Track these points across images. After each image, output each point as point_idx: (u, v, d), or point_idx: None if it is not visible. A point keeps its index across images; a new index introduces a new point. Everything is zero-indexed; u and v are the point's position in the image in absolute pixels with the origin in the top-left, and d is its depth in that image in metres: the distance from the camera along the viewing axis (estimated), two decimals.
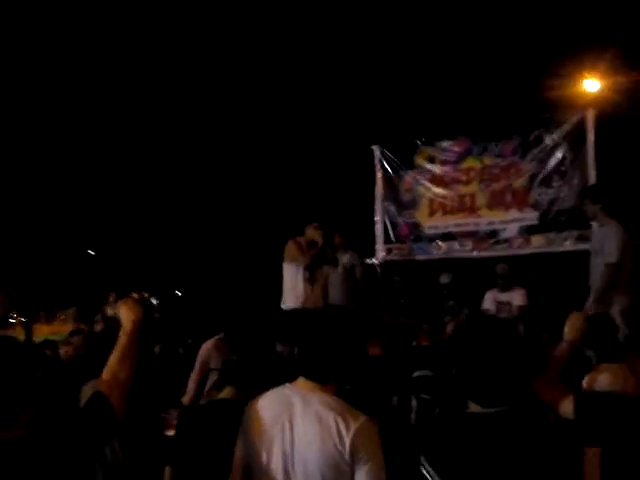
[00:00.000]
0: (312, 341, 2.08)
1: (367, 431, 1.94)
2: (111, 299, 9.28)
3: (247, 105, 10.59)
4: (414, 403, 4.28)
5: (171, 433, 3.57)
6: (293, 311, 5.62)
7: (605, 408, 2.20)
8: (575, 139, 6.67)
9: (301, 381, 2.07)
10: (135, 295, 2.69)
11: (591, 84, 10.63)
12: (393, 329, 6.32)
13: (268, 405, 2.07)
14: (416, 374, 4.43)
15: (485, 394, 1.98)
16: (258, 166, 11.22)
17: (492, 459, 1.89)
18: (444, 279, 7.00)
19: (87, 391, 2.86)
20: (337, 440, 1.89)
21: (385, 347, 5.99)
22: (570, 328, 2.45)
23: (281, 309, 5.84)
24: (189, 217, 13.03)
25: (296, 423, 1.97)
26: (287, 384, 2.10)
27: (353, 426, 1.91)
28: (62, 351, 6.06)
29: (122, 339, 2.12)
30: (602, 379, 2.98)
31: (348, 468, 1.89)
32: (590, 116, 6.63)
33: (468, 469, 1.93)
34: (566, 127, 6.73)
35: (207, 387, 4.49)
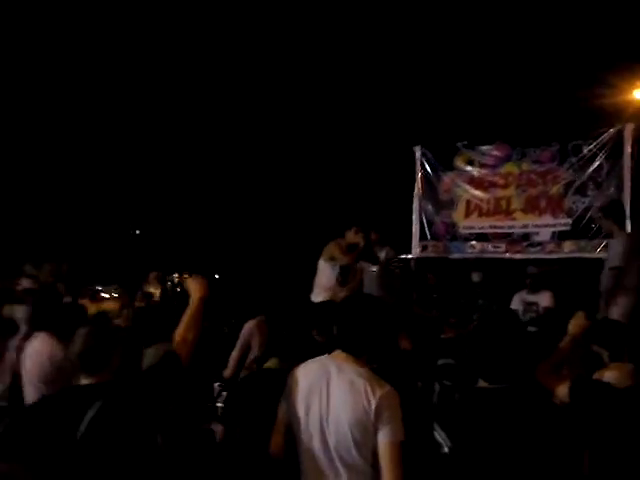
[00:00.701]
0: (350, 319, 2.47)
1: (390, 397, 2.31)
2: (151, 277, 9.80)
3: (299, 103, 10.92)
4: (437, 387, 4.61)
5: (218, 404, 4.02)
6: (326, 302, 5.92)
7: (597, 395, 2.53)
8: (613, 151, 6.86)
9: (337, 353, 2.46)
10: (175, 275, 3.20)
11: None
12: (422, 321, 6.69)
13: (308, 372, 2.47)
14: (440, 362, 4.77)
15: (491, 372, 2.36)
16: (305, 162, 11.56)
17: (494, 426, 2.28)
18: (475, 278, 7.29)
19: (150, 353, 3.30)
20: (365, 402, 2.27)
21: (414, 339, 6.38)
22: (573, 325, 2.79)
23: (311, 301, 6.16)
24: (233, 206, 13.46)
25: (332, 387, 2.36)
26: (326, 355, 2.50)
27: (379, 392, 2.29)
28: (115, 323, 6.57)
29: (191, 308, 2.58)
30: (609, 375, 3.28)
31: (372, 426, 2.26)
32: (629, 129, 6.81)
33: (474, 434, 2.31)
34: (604, 138, 6.92)
35: (246, 363, 4.94)
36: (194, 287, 2.66)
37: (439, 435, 2.82)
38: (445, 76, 9.34)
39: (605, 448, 2.49)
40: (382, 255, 6.93)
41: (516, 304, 6.76)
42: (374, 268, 6.85)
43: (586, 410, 2.49)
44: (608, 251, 5.65)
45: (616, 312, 5.02)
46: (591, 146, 6.98)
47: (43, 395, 2.78)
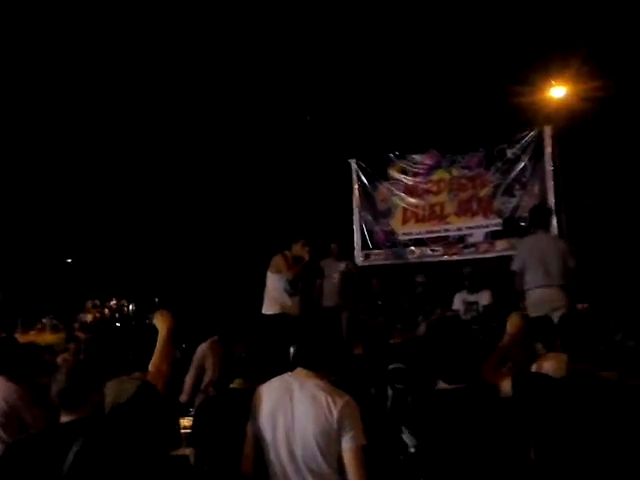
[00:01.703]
0: (307, 338, 2.62)
1: (350, 406, 2.47)
2: (89, 306, 9.61)
3: (232, 120, 10.97)
4: (390, 392, 4.79)
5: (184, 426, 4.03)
6: (277, 316, 6.08)
7: (537, 386, 2.74)
8: (534, 152, 7.32)
9: (298, 370, 2.60)
10: (113, 301, 3.29)
11: (557, 92, 11.28)
12: (371, 330, 6.91)
13: (272, 390, 2.60)
14: (391, 367, 4.96)
15: (450, 374, 2.55)
16: (242, 177, 11.60)
17: (456, 424, 2.46)
18: (419, 279, 7.59)
19: (112, 386, 3.30)
20: (327, 413, 2.43)
21: (365, 346, 6.59)
22: (510, 324, 3.03)
23: (263, 315, 6.23)
24: (170, 224, 13.26)
25: (295, 402, 2.50)
26: (288, 373, 2.63)
27: (340, 402, 2.45)
28: (60, 358, 6.37)
29: (161, 340, 2.67)
30: (547, 365, 3.54)
31: (336, 435, 2.41)
32: (547, 131, 7.29)
33: (438, 433, 2.49)
34: (526, 141, 7.37)
35: (202, 386, 4.96)
36: (161, 319, 2.77)
37: (406, 437, 2.99)
38: (374, 91, 9.66)
39: (548, 437, 2.68)
40: (342, 266, 7.17)
41: (457, 304, 7.08)
42: (335, 279, 7.08)
43: (528, 402, 2.69)
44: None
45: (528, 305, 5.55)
46: (514, 149, 7.42)
47: (28, 434, 2.76)
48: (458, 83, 9.67)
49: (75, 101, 10.91)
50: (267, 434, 2.52)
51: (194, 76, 10.41)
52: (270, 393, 2.58)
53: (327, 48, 9.55)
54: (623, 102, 10.41)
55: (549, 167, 7.20)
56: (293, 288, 6.09)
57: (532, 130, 7.41)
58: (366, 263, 8.13)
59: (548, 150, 7.23)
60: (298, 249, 6.18)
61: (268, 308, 6.13)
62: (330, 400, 2.45)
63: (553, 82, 11.09)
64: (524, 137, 7.37)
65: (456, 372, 2.53)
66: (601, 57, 10.07)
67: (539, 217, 6.04)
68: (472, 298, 6.93)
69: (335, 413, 2.42)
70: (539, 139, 7.31)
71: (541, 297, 5.59)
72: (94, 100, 10.91)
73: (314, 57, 9.70)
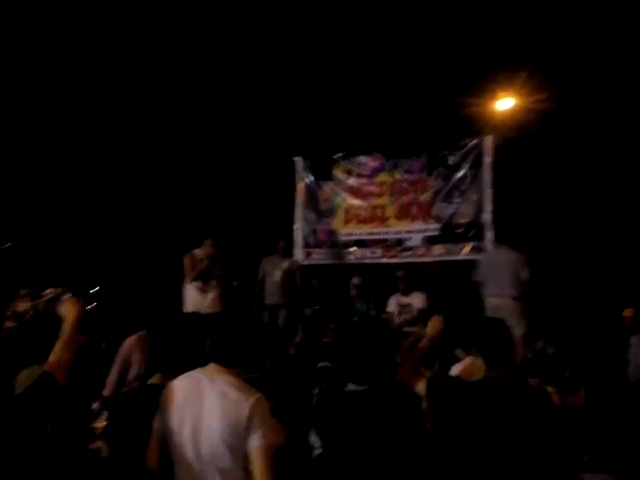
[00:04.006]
0: (221, 332, 2.59)
1: (261, 404, 2.45)
2: (22, 294, 9.28)
3: (176, 112, 10.78)
4: (316, 391, 4.81)
5: (98, 424, 3.95)
6: (190, 314, 6.12)
7: (450, 389, 2.81)
8: (475, 161, 7.47)
9: (210, 365, 2.57)
10: (49, 290, 3.16)
11: (503, 103, 11.57)
12: (307, 328, 6.94)
13: (182, 385, 2.55)
14: (319, 365, 4.98)
15: (358, 375, 2.56)
16: (187, 172, 11.42)
17: (361, 426, 2.47)
18: (355, 280, 7.64)
19: (22, 376, 3.19)
20: (237, 410, 2.40)
21: (298, 346, 6.61)
22: (431, 327, 3.08)
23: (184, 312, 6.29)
24: (109, 216, 12.95)
25: (205, 398, 2.46)
26: (198, 368, 2.59)
27: (250, 400, 2.42)
28: None
29: (66, 328, 2.57)
30: (462, 370, 3.64)
31: (245, 432, 2.39)
32: (487, 141, 7.46)
33: (346, 433, 2.50)
34: (467, 149, 7.52)
35: (129, 379, 4.85)
36: (69, 307, 2.66)
37: (312, 440, 2.99)
38: (322, 89, 9.66)
39: (457, 439, 2.75)
40: (286, 264, 7.19)
41: (392, 306, 7.16)
42: (277, 277, 7.10)
43: (440, 404, 2.76)
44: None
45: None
46: (456, 156, 7.57)
47: None
48: (406, 89, 9.79)
49: None
50: (173, 431, 2.47)
51: (133, 71, 10.20)
52: (180, 388, 2.54)
53: (277, 46, 9.51)
54: (566, 115, 10.77)
55: (488, 176, 7.37)
56: (205, 286, 6.19)
57: (474, 139, 7.56)
58: (307, 262, 8.14)
59: (487, 160, 7.40)
60: (205, 248, 6.37)
61: (184, 306, 6.28)
62: (240, 397, 2.42)
63: (500, 94, 11.37)
64: (465, 145, 7.52)
65: (365, 373, 2.55)
66: (547, 71, 10.38)
67: (503, 230, 6.44)
68: (406, 300, 7.03)
69: (245, 411, 2.39)
70: (479, 148, 7.47)
71: (495, 305, 5.93)
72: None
73: (263, 54, 9.65)
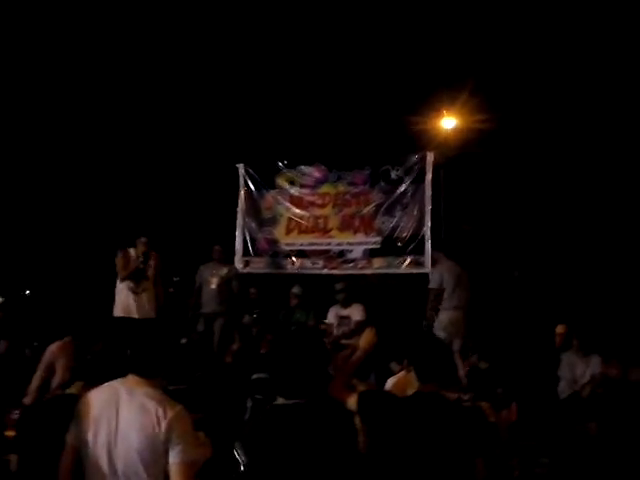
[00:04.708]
0: (141, 342, 2.45)
1: (181, 418, 2.32)
2: None
3: (120, 112, 10.52)
4: (249, 403, 4.70)
5: (11, 433, 3.72)
6: (122, 319, 5.94)
7: (381, 404, 2.76)
8: (417, 176, 7.55)
9: (130, 377, 2.42)
10: None
11: (447, 122, 11.82)
12: (244, 339, 6.83)
13: (98, 396, 2.40)
14: (254, 377, 4.87)
15: (289, 388, 2.47)
16: (123, 171, 11.13)
17: (288, 441, 2.38)
18: (295, 290, 7.57)
19: None
20: (155, 424, 2.26)
21: (235, 355, 6.49)
22: (364, 340, 3.03)
23: (113, 317, 6.10)
24: (43, 216, 12.47)
25: (121, 411, 2.31)
26: (117, 379, 2.44)
27: (170, 413, 2.29)
28: None
29: None
30: (395, 384, 3.62)
31: (163, 448, 2.25)
32: (429, 157, 7.57)
33: (272, 449, 2.39)
34: (409, 164, 7.60)
35: (52, 387, 4.61)
36: None
37: (237, 454, 2.87)
38: (268, 97, 9.63)
39: (390, 454, 2.70)
40: (224, 271, 7.02)
41: (331, 318, 7.13)
42: (213, 285, 6.92)
43: (372, 419, 2.70)
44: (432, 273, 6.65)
45: (437, 326, 6.12)
46: (398, 171, 7.63)
47: None
48: (352, 102, 9.88)
49: None
50: (87, 444, 2.31)
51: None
52: (96, 399, 2.38)
53: (226, 52, 9.44)
54: (506, 136, 11.13)
55: (428, 192, 7.46)
56: (136, 287, 6.02)
57: (416, 154, 7.65)
58: (246, 270, 8.00)
59: (429, 176, 7.50)
60: (138, 247, 6.20)
61: (115, 310, 6.09)
62: (159, 410, 2.28)
63: (444, 112, 11.63)
64: (407, 160, 7.60)
65: (295, 386, 2.46)
66: (488, 93, 10.71)
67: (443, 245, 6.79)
68: (345, 312, 7.01)
69: (163, 424, 2.25)
70: (422, 164, 7.56)
71: (450, 319, 6.18)
72: None
73: (212, 60, 9.55)
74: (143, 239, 6.23)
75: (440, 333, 5.85)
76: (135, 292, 6.04)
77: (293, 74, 9.44)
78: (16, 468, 3.13)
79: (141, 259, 6.09)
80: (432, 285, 6.37)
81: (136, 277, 6.08)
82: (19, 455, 3.07)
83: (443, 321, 6.19)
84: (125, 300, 6.05)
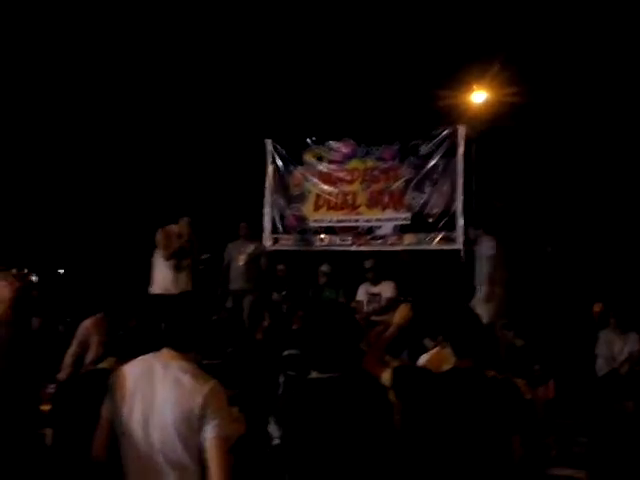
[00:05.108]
0: (176, 316, 2.42)
1: (217, 393, 2.28)
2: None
3: (147, 94, 10.56)
4: (282, 379, 4.68)
5: (47, 407, 3.76)
6: (159, 296, 5.92)
7: (416, 380, 2.71)
8: (447, 151, 7.39)
9: (164, 350, 2.39)
10: (14, 271, 2.94)
11: (478, 96, 11.55)
12: (274, 316, 6.81)
13: (132, 370, 2.37)
14: (285, 353, 4.85)
15: (322, 363, 2.42)
16: (155, 153, 11.19)
17: (323, 414, 2.34)
18: (324, 268, 7.51)
19: None
20: (190, 399, 2.22)
21: (265, 332, 6.49)
22: (398, 316, 2.96)
23: (149, 293, 6.11)
24: (76, 197, 12.65)
25: (156, 385, 2.28)
26: (151, 353, 2.42)
27: (205, 388, 2.25)
28: None
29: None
30: (430, 360, 3.55)
31: (198, 422, 2.22)
32: (461, 131, 7.38)
33: (307, 421, 2.35)
34: (440, 139, 7.43)
35: (86, 363, 4.67)
36: (4, 285, 2.47)
37: (272, 427, 2.85)
38: (295, 71, 9.52)
39: (425, 431, 2.65)
40: (251, 247, 7.01)
41: (361, 295, 7.05)
42: (241, 262, 6.91)
43: (406, 394, 2.65)
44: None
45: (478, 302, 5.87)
46: (428, 146, 7.48)
47: None
48: (382, 77, 9.71)
49: None
50: (122, 419, 2.29)
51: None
52: (130, 374, 2.35)
53: (252, 31, 9.34)
54: (537, 109, 10.84)
55: (460, 167, 7.30)
56: (179, 264, 6.00)
57: (447, 128, 7.48)
58: (274, 247, 7.99)
59: (460, 150, 7.33)
60: (181, 226, 6.14)
61: (152, 287, 6.07)
62: (195, 384, 2.25)
63: (475, 87, 11.36)
64: (438, 135, 7.43)
65: (329, 361, 2.41)
66: (519, 66, 10.42)
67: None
68: (375, 290, 6.92)
69: (198, 399, 2.22)
70: (453, 138, 7.38)
71: (496, 294, 5.93)
72: None
73: (237, 38, 9.47)
74: (186, 219, 6.21)
75: (482, 308, 5.67)
76: (177, 270, 6.02)
77: (321, 49, 9.30)
78: (51, 442, 3.16)
79: (185, 239, 6.05)
80: (489, 253, 6.10)
81: (179, 255, 6.05)
82: (54, 429, 3.10)
83: (486, 296, 5.99)
84: (165, 278, 6.03)
